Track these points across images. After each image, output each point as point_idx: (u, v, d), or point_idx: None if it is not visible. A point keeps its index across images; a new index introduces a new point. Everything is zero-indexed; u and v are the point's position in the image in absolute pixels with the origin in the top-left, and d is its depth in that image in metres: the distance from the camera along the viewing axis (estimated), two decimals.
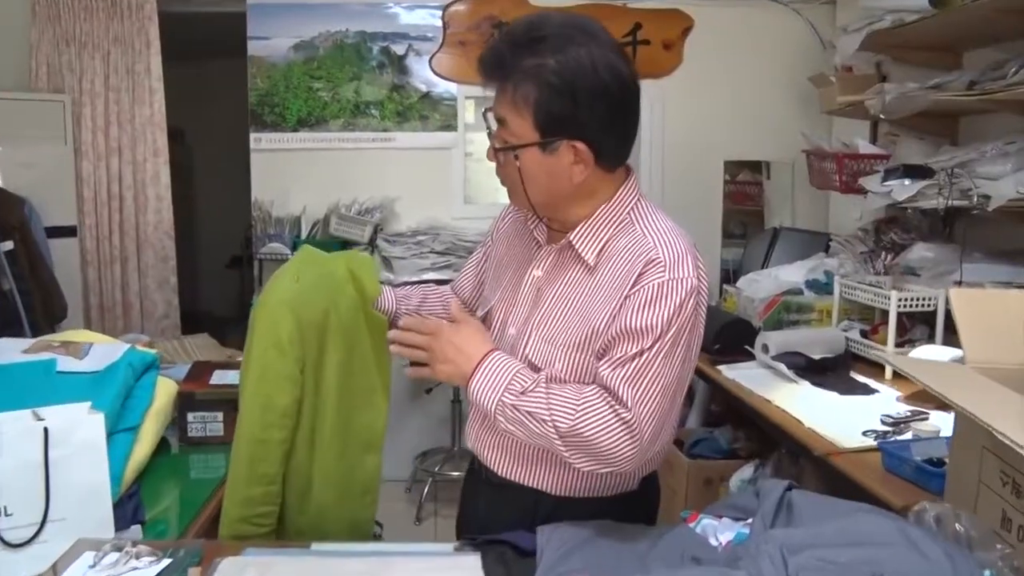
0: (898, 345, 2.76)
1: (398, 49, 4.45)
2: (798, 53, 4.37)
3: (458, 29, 4.36)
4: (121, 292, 4.42)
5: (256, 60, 4.42)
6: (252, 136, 4.46)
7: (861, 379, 2.72)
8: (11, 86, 4.26)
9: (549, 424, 1.39)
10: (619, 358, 1.39)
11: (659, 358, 1.38)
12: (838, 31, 3.71)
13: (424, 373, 1.55)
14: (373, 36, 4.43)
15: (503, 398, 1.43)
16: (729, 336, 3.01)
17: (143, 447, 1.89)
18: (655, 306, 1.38)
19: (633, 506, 1.59)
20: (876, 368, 2.81)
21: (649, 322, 1.38)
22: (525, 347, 1.53)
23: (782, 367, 2.73)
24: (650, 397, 1.38)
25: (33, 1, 4.23)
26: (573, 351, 1.47)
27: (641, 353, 1.38)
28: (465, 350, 1.49)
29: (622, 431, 1.37)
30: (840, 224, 4.10)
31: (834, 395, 2.55)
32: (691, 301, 1.40)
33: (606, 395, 1.39)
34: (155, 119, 4.35)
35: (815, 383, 2.64)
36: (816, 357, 2.82)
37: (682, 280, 1.39)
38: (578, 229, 1.51)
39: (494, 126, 1.50)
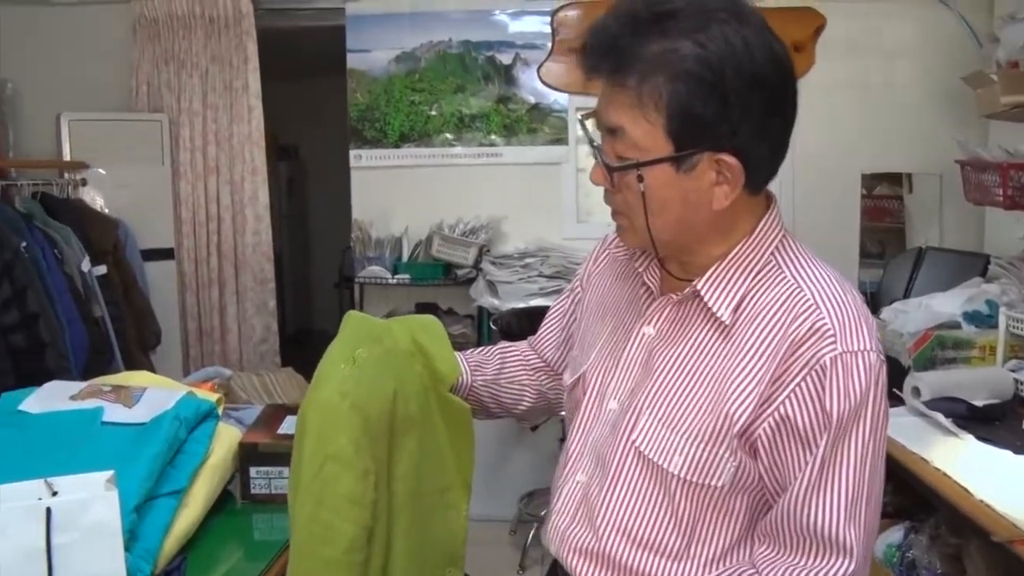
0: None
1: (504, 59, 4.20)
2: (946, 50, 3.94)
3: (568, 36, 4.08)
4: (219, 316, 4.30)
5: (356, 74, 4.24)
6: (352, 153, 4.29)
7: None
8: (113, 107, 4.22)
9: None
10: (814, 480, 1.05)
11: (859, 464, 1.04)
12: (998, 22, 3.27)
13: None
14: (478, 46, 4.20)
15: None
16: None
17: (191, 512, 1.65)
18: (833, 394, 1.03)
19: None
20: None
21: (829, 418, 1.03)
22: (632, 429, 1.17)
23: (939, 416, 2.32)
24: (861, 521, 1.05)
25: (134, 21, 4.18)
26: (700, 443, 1.10)
27: (837, 465, 1.04)
28: None
29: None
30: (999, 244, 3.63)
31: (1007, 454, 2.12)
32: (876, 383, 1.04)
33: (789, 564, 1.07)
34: (253, 137, 4.21)
35: (981, 437, 2.22)
36: (979, 404, 2.39)
37: (860, 355, 1.03)
38: (709, 275, 1.14)
39: (598, 138, 1.13)
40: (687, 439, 1.11)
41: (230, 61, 4.18)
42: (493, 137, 4.24)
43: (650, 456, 1.14)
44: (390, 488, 1.28)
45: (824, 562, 1.05)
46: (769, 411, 1.07)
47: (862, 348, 1.04)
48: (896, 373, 2.62)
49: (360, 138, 4.28)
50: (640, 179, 1.08)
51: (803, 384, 1.04)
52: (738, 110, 1.04)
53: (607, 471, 1.20)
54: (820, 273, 1.11)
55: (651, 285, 1.23)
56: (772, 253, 1.14)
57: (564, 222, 4.24)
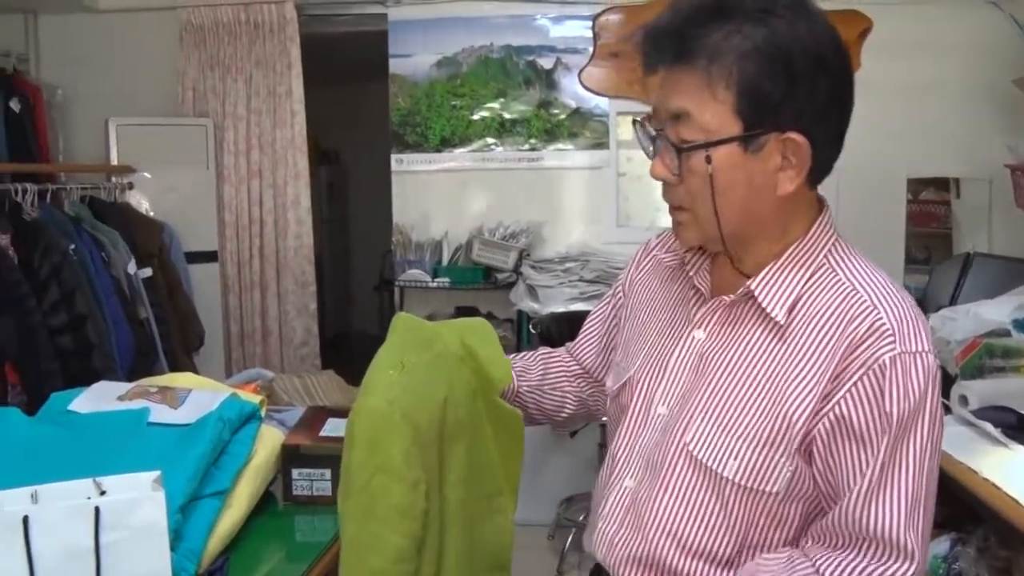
0: None
1: (546, 63, 4.20)
2: (996, 53, 3.86)
3: (610, 40, 4.08)
4: (260, 319, 4.34)
5: (398, 79, 4.27)
6: (393, 157, 4.32)
7: None
8: (160, 112, 4.29)
9: None
10: (874, 483, 1.03)
11: (918, 466, 1.03)
12: None
13: None
14: (519, 50, 4.21)
15: None
16: None
17: (234, 513, 1.66)
18: (893, 395, 1.02)
19: None
20: None
21: (890, 419, 1.02)
22: (684, 432, 1.15)
23: (987, 426, 2.27)
24: (920, 523, 1.03)
25: (180, 27, 4.25)
26: (756, 447, 1.09)
27: (898, 467, 1.03)
28: None
29: None
30: None
31: None
32: (934, 385, 1.04)
33: (852, 562, 1.05)
34: (296, 141, 4.25)
35: None
36: None
37: (919, 355, 1.03)
38: (762, 276, 1.14)
39: (653, 131, 1.13)
40: (743, 442, 1.10)
41: (274, 66, 4.23)
42: (534, 141, 4.24)
43: (704, 460, 1.13)
44: (442, 495, 1.26)
45: (885, 562, 1.03)
46: (825, 411, 1.06)
47: (921, 349, 1.04)
48: (943, 381, 2.56)
49: (401, 142, 4.30)
50: (708, 160, 1.07)
51: (860, 383, 1.04)
52: (804, 90, 1.05)
53: (657, 476, 1.18)
54: (875, 276, 1.11)
55: (702, 288, 1.22)
56: (825, 256, 1.14)
57: (605, 226, 4.23)
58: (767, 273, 1.13)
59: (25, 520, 1.21)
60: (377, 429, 1.17)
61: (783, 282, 1.13)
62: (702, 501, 1.15)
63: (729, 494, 1.12)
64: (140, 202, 3.96)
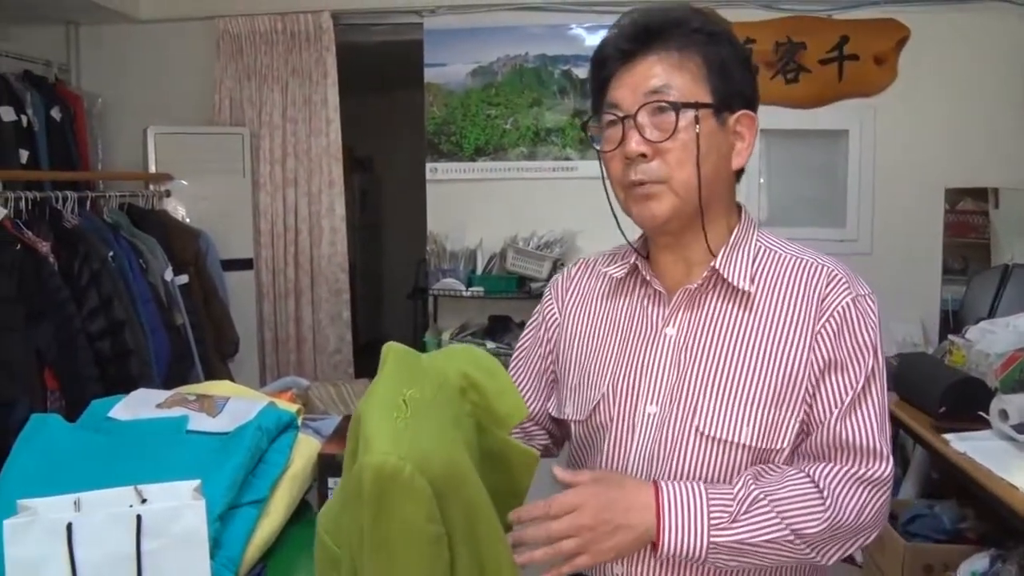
0: None
1: (580, 72, 4.21)
2: None
3: None
4: (295, 326, 4.37)
5: (433, 88, 4.29)
6: (428, 166, 4.34)
7: None
8: (197, 121, 4.34)
9: (796, 542, 1.16)
10: (851, 403, 1.21)
11: (882, 386, 1.23)
12: None
13: (580, 565, 1.14)
14: (554, 59, 4.22)
15: (714, 539, 1.14)
16: (958, 398, 2.53)
17: (271, 521, 1.67)
18: (859, 329, 1.23)
19: None
20: None
21: (862, 349, 1.22)
22: (690, 418, 1.23)
23: None
24: (887, 432, 1.22)
25: (218, 37, 4.30)
26: (767, 407, 1.21)
27: (869, 388, 1.22)
28: (633, 505, 1.15)
29: (879, 497, 1.20)
30: None
31: None
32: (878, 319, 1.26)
33: (839, 467, 1.19)
34: (331, 150, 4.28)
35: None
36: None
37: (869, 297, 1.26)
38: (720, 256, 1.28)
39: (622, 114, 1.24)
40: (752, 407, 1.21)
41: (310, 75, 4.27)
42: (568, 151, 4.25)
43: (716, 435, 1.21)
44: (475, 542, 1.14)
45: (866, 467, 1.19)
46: (816, 356, 1.22)
47: (868, 292, 1.26)
48: (982, 395, 2.54)
49: (436, 151, 4.32)
50: (697, 120, 1.21)
51: (830, 324, 1.22)
52: (752, 79, 1.27)
53: (669, 465, 1.24)
54: (805, 247, 1.31)
55: (660, 288, 1.31)
56: (758, 240, 1.31)
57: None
58: (722, 255, 1.28)
59: (69, 527, 1.23)
60: (391, 489, 1.05)
61: (737, 260, 1.28)
62: (715, 476, 1.23)
63: (741, 460, 1.22)
64: (177, 210, 4.00)
